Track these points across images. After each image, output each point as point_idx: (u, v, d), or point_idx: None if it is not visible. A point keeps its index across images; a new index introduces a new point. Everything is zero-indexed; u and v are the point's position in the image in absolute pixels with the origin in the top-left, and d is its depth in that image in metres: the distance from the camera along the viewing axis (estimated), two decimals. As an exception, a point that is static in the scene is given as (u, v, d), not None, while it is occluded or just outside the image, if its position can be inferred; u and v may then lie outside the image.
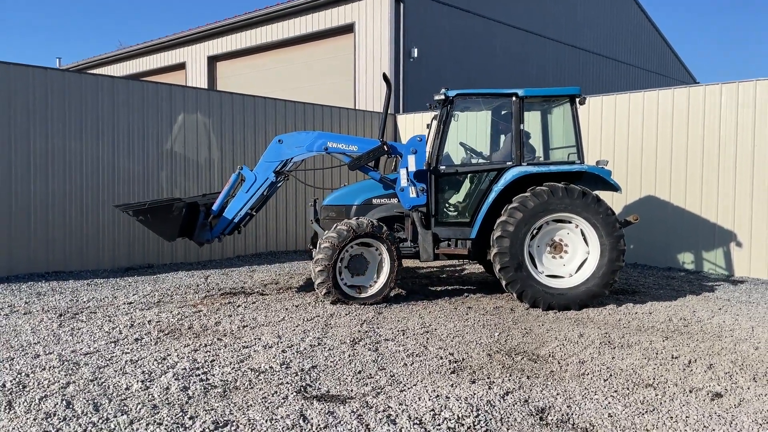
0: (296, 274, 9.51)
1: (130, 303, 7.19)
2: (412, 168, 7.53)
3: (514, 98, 7.54)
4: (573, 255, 7.40)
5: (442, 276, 9.57)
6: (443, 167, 7.69)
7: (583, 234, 7.31)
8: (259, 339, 5.64)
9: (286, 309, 6.95)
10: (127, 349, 5.26)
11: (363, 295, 7.21)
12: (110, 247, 9.61)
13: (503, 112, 8.23)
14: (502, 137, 8.23)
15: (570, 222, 7.32)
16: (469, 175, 7.89)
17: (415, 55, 14.90)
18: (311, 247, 8.41)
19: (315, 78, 16.48)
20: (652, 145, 10.41)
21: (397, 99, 14.69)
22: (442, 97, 7.66)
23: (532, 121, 8.10)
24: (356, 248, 7.20)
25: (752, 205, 9.34)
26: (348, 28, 15.50)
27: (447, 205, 7.92)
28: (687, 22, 72.54)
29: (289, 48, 17.08)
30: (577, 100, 7.79)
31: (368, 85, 15.09)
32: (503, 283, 7.17)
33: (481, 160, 8.25)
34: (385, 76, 8.20)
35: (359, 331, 5.95)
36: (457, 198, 8.00)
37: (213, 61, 19.33)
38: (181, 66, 20.16)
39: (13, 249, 8.64)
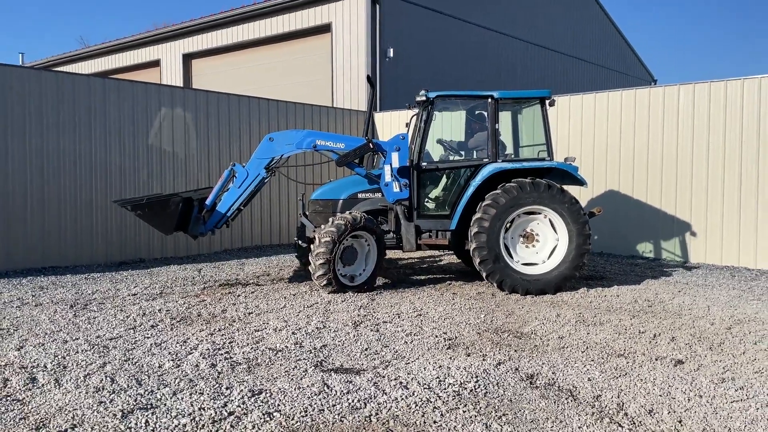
0: (285, 266, 9.95)
1: (134, 294, 7.56)
2: (396, 164, 8.03)
3: (490, 99, 8.12)
4: (544, 243, 8.03)
5: (423, 266, 10.14)
6: (425, 164, 8.22)
7: (551, 223, 7.96)
8: (267, 324, 6.11)
9: (285, 297, 7.42)
10: (147, 334, 5.68)
11: (354, 284, 7.68)
12: (103, 242, 9.90)
13: (477, 112, 8.81)
14: (477, 135, 8.78)
15: (539, 213, 7.95)
16: (448, 171, 8.42)
17: (391, 55, 15.43)
18: (297, 240, 8.84)
19: (292, 76, 16.85)
20: (616, 142, 11.17)
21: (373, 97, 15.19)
22: (423, 98, 8.17)
23: (504, 120, 8.71)
24: (349, 240, 7.62)
25: (707, 198, 10.17)
26: (325, 28, 15.92)
27: (428, 198, 8.43)
28: (646, 23, 74.83)
29: (266, 46, 17.40)
30: (547, 101, 8.43)
31: (346, 84, 15.55)
32: (484, 274, 7.75)
33: (458, 157, 8.80)
34: (369, 78, 8.68)
35: (358, 315, 6.48)
36: (438, 192, 8.53)
37: (188, 58, 19.49)
38: (155, 63, 20.26)
39: (11, 245, 8.88)
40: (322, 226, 7.61)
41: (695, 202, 10.32)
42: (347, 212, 7.80)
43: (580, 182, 8.37)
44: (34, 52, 62.31)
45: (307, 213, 8.51)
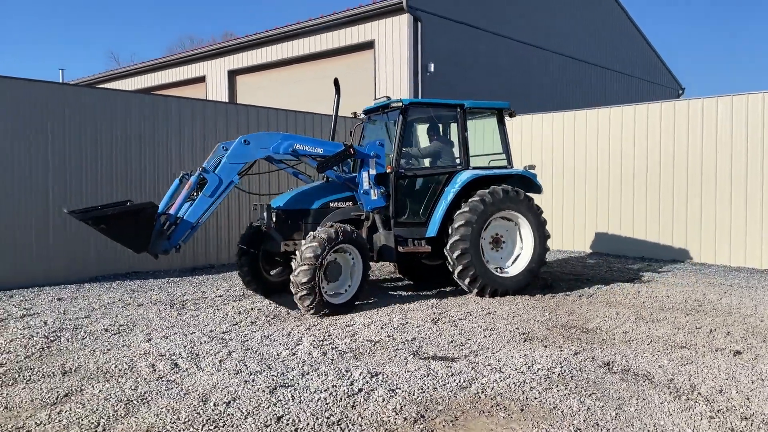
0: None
1: (220, 296, 8.26)
2: (373, 171, 7.90)
3: (459, 109, 8.42)
4: (510, 248, 8.49)
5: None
6: (402, 170, 8.11)
7: (518, 229, 8.43)
8: (354, 320, 6.75)
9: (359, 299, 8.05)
10: (252, 329, 6.36)
11: (340, 301, 7.16)
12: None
13: (428, 125, 8.99)
14: (440, 143, 8.76)
15: (509, 219, 8.39)
16: (424, 178, 8.47)
17: (432, 69, 16.10)
18: (240, 245, 8.14)
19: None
20: (656, 150, 11.73)
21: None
22: (399, 104, 8.13)
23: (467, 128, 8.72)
24: (331, 255, 7.04)
25: (746, 205, 10.66)
26: (368, 45, 16.66)
27: (407, 206, 8.29)
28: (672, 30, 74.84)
29: (309, 62, 18.18)
30: (507, 113, 8.88)
31: (388, 98, 16.23)
32: (466, 281, 7.92)
33: (427, 164, 8.73)
34: (335, 81, 8.57)
35: (433, 313, 7.10)
36: (416, 199, 8.41)
37: (233, 74, 20.37)
38: (201, 79, 21.18)
39: (101, 253, 9.66)
40: (301, 248, 6.93)
41: (734, 210, 10.81)
42: (325, 225, 7.27)
43: (539, 189, 8.83)
44: (69, 68, 64.44)
45: (276, 223, 7.63)
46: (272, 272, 8.37)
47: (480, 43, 17.82)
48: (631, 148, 12.07)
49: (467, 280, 7.93)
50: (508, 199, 8.15)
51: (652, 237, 11.79)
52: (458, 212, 7.93)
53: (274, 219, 7.53)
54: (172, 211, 6.94)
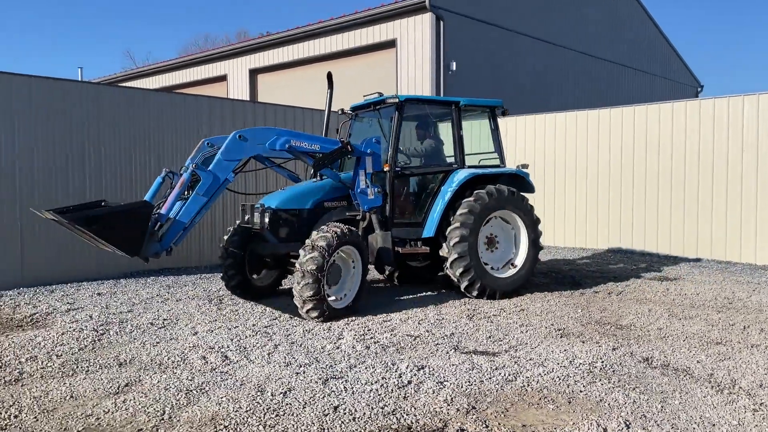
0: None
1: (255, 292, 8.42)
2: (370, 170, 7.63)
3: (454, 106, 8.31)
4: (505, 247, 8.37)
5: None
6: (399, 168, 7.91)
7: (512, 229, 8.37)
8: (391, 316, 6.89)
9: (392, 296, 8.19)
10: (293, 323, 6.52)
11: (341, 306, 6.90)
12: (207, 246, 10.86)
13: (417, 123, 8.79)
14: (435, 141, 8.59)
15: (503, 219, 8.28)
16: (420, 176, 8.30)
17: (454, 68, 16.21)
18: (226, 247, 7.78)
19: (357, 90, 17.67)
20: (681, 148, 11.76)
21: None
22: (396, 100, 7.89)
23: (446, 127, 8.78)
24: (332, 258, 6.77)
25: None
26: (390, 44, 16.78)
27: (404, 206, 8.10)
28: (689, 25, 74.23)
29: (331, 61, 18.31)
30: (498, 110, 8.80)
31: (410, 97, 16.35)
32: (464, 284, 7.73)
33: (423, 162, 8.45)
34: (329, 75, 8.37)
35: (468, 310, 7.23)
36: (412, 198, 8.25)
37: (254, 73, 20.57)
38: (222, 78, 21.41)
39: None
40: (304, 249, 6.64)
41: (760, 208, 10.83)
42: (325, 226, 7.00)
43: (532, 188, 8.70)
44: (86, 66, 65.12)
45: (269, 224, 7.24)
46: (257, 276, 8.09)
47: (502, 42, 17.89)
48: (655, 147, 12.11)
49: (466, 283, 7.74)
50: (504, 199, 8.05)
51: (677, 235, 11.83)
52: (456, 213, 7.79)
53: (267, 219, 7.20)
54: (163, 210, 6.48)
